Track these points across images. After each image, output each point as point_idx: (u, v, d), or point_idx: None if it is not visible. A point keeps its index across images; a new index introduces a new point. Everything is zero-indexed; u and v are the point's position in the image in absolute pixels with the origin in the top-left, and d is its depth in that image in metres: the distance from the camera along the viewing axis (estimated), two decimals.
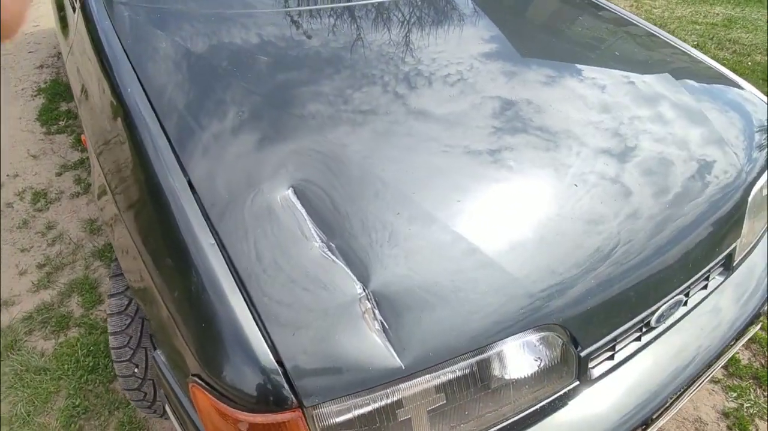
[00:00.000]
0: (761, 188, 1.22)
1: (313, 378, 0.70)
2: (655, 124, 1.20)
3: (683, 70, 1.50)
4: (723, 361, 1.19)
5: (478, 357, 0.80)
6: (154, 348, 0.97)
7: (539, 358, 0.86)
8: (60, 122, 2.86)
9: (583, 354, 0.92)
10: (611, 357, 1.01)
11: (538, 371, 0.87)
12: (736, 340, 1.17)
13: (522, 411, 0.88)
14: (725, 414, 1.61)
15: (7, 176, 2.46)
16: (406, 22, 1.44)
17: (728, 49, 4.08)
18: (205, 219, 0.82)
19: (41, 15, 4.32)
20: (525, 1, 1.82)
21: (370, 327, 0.74)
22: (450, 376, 0.78)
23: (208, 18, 1.31)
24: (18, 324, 1.75)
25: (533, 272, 0.87)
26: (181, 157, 0.91)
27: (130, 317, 1.10)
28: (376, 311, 0.75)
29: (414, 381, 0.75)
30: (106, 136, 1.11)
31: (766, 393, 1.67)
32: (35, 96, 3.11)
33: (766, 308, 1.23)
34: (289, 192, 0.88)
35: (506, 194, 0.97)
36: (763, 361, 1.77)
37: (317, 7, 1.48)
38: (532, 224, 0.93)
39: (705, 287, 1.18)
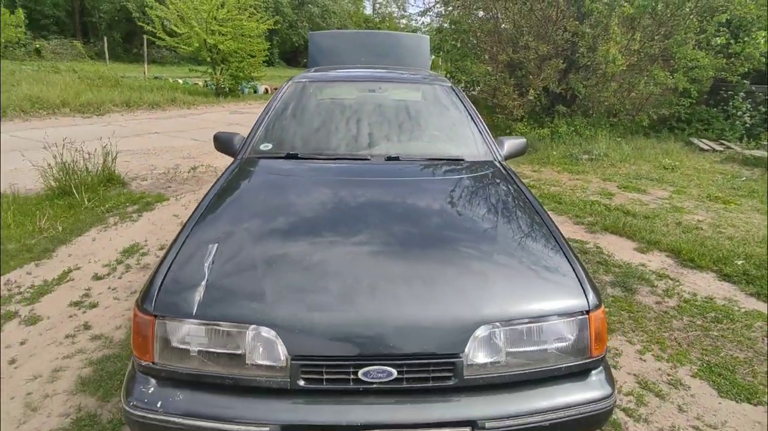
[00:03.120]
0: (489, 335, 1.46)
1: (164, 304, 1.47)
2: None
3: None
4: None
5: (227, 328, 1.45)
6: None
7: (261, 346, 1.41)
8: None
9: (292, 361, 1.37)
10: (319, 381, 1.39)
11: (261, 354, 1.41)
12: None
13: (242, 378, 1.42)
14: None
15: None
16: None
17: None
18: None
19: None
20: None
21: (199, 295, 1.49)
22: (211, 329, 1.45)
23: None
24: None
25: (276, 294, 1.48)
26: (204, 215, 1.93)
27: None
28: (205, 287, 1.52)
29: (196, 325, 1.45)
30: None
31: None
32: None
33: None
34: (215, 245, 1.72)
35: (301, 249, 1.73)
36: None
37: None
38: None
39: (426, 379, 1.40)
